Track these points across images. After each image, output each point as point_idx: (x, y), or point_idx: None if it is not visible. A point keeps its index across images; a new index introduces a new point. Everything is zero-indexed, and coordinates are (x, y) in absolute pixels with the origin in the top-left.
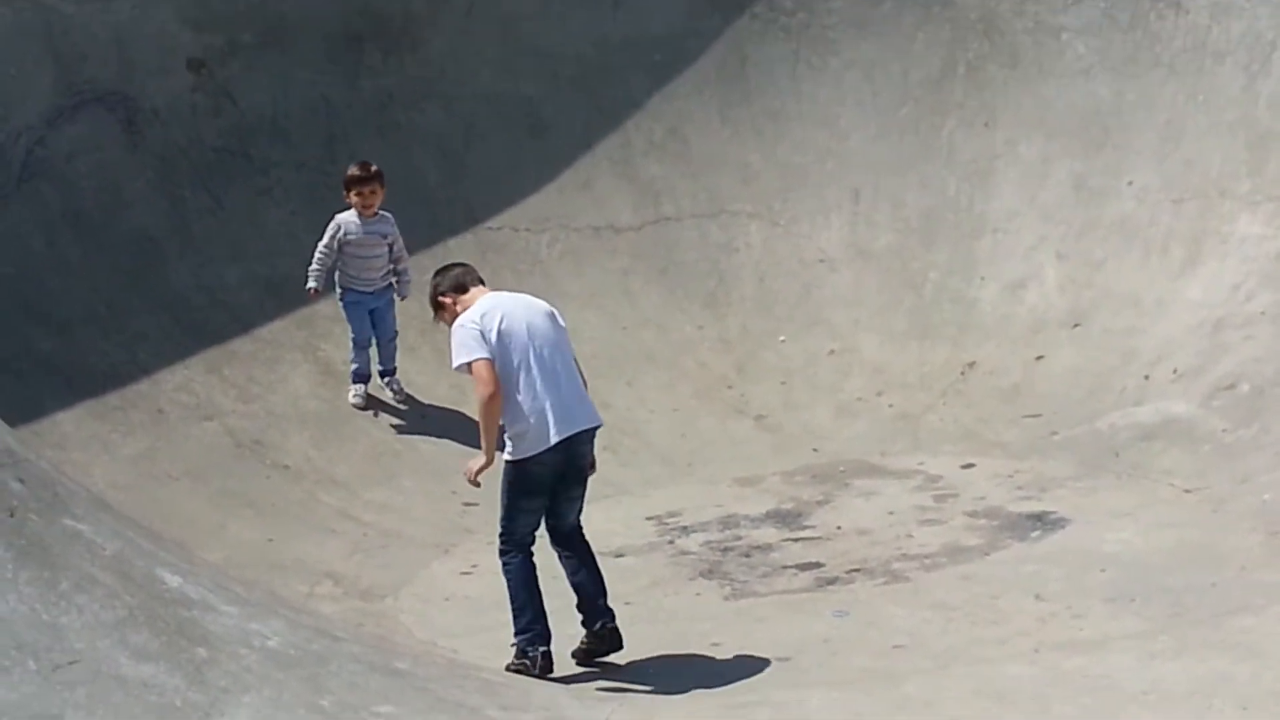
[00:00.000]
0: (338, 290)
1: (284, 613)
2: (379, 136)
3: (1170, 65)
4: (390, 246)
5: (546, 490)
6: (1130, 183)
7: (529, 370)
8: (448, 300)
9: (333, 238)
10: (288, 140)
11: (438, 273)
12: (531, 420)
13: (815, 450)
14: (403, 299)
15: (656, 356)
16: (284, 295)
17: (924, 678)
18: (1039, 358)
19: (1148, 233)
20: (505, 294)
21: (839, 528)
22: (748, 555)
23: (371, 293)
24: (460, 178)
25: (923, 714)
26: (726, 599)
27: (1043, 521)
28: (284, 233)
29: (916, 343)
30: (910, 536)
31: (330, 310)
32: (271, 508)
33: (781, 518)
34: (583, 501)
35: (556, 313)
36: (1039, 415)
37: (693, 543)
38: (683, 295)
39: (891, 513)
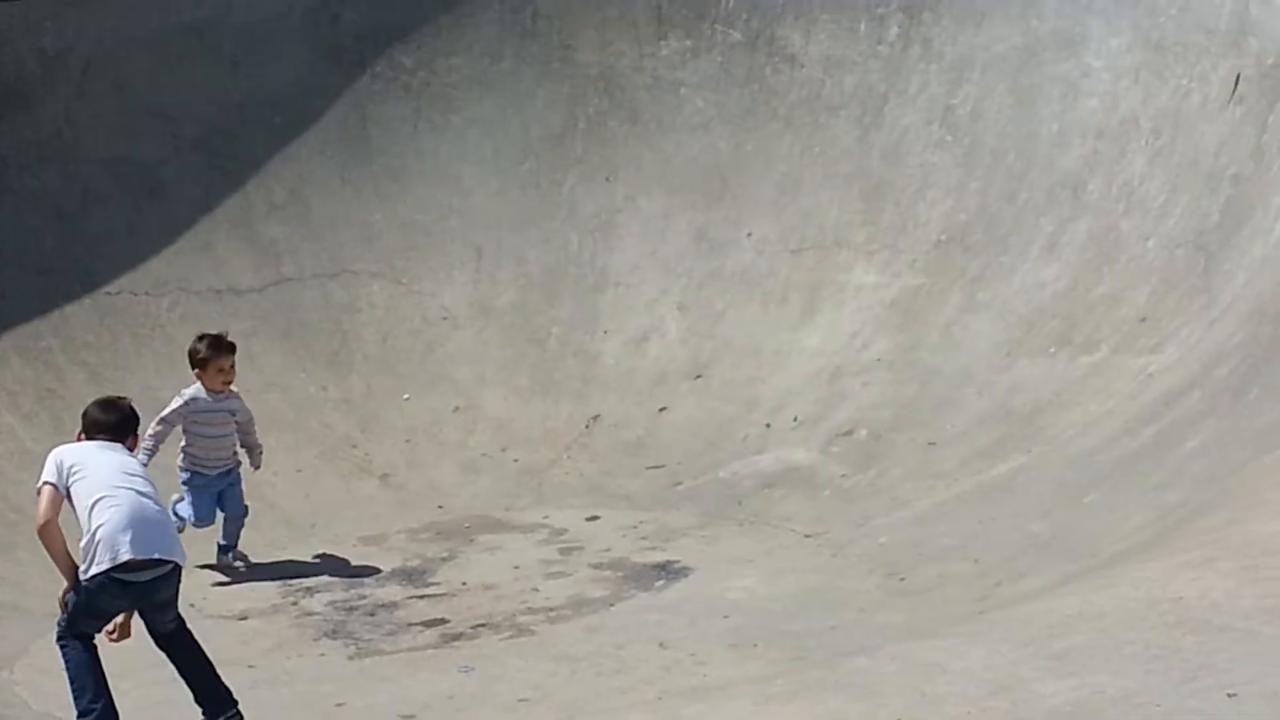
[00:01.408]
0: (182, 473)
1: None
2: None
3: (786, 119)
4: (238, 424)
5: (113, 617)
6: (749, 234)
7: (105, 495)
8: None
9: (176, 413)
10: None
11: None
12: (100, 536)
13: (440, 507)
14: (256, 469)
15: (280, 418)
16: None
17: None
18: (662, 409)
19: (767, 283)
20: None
21: (464, 583)
22: (372, 614)
23: (219, 474)
24: (77, 242)
25: None
26: (351, 658)
27: (667, 571)
28: None
29: (540, 398)
30: (536, 590)
31: None
32: None
33: (407, 575)
34: (173, 610)
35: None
36: (663, 466)
37: (317, 603)
38: (305, 356)
39: (517, 567)
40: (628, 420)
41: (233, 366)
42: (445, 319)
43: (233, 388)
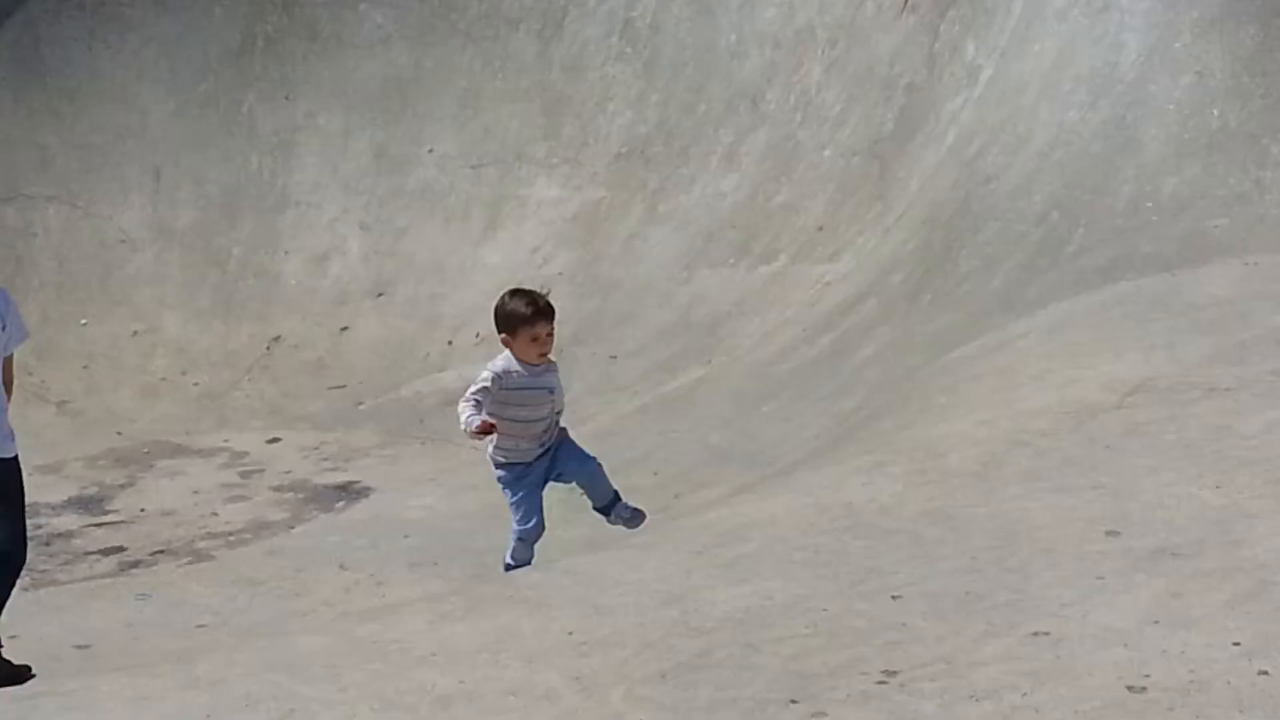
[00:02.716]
0: (496, 470)
1: None
2: None
3: (467, 33)
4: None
5: None
6: (431, 150)
7: None
8: None
9: (483, 392)
10: None
11: None
12: None
13: (119, 433)
14: None
15: None
16: None
17: (220, 655)
18: (344, 329)
19: (448, 200)
20: None
21: (143, 510)
22: (48, 544)
23: (532, 462)
24: None
25: (210, 692)
26: (25, 590)
27: (348, 492)
28: None
29: (221, 320)
30: (215, 514)
31: None
32: None
33: (83, 503)
34: (8, 522)
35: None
36: (344, 386)
37: None
38: None
39: (196, 491)
40: (309, 340)
41: (550, 335)
42: (123, 242)
43: (551, 358)
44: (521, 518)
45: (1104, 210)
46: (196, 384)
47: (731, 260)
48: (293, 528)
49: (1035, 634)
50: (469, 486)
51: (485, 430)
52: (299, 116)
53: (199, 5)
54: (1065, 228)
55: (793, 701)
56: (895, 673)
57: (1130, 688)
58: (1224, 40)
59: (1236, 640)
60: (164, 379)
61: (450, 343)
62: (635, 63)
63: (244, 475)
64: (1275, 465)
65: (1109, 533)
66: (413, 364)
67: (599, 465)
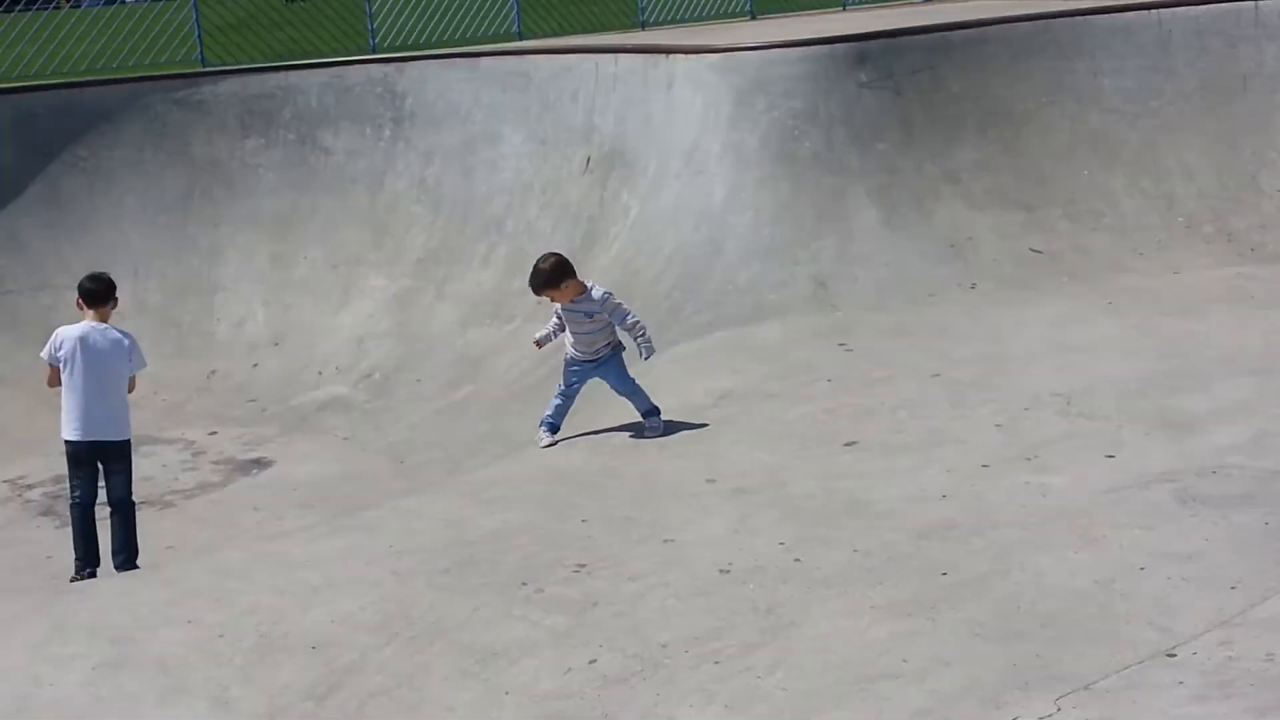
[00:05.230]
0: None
1: None
2: None
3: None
4: (600, 322)
5: (87, 465)
6: None
7: (68, 379)
8: None
9: (557, 313)
10: None
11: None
12: (62, 412)
13: None
14: (643, 359)
15: None
16: None
17: None
18: None
19: None
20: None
21: None
22: None
23: (588, 362)
24: None
25: None
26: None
27: None
28: None
29: None
30: None
31: None
32: None
33: None
34: (122, 478)
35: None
36: None
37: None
38: None
39: None
40: None
41: (553, 299)
42: None
43: (594, 289)
44: (558, 390)
45: (707, 290)
46: None
47: (489, 322)
48: None
49: (666, 540)
50: None
51: (537, 344)
52: None
53: None
54: (681, 299)
55: (523, 584)
56: (584, 565)
57: (721, 570)
58: (771, 189)
59: (782, 541)
60: None
61: None
62: (428, 204)
63: None
64: (804, 440)
65: (708, 480)
66: None
67: (633, 389)
